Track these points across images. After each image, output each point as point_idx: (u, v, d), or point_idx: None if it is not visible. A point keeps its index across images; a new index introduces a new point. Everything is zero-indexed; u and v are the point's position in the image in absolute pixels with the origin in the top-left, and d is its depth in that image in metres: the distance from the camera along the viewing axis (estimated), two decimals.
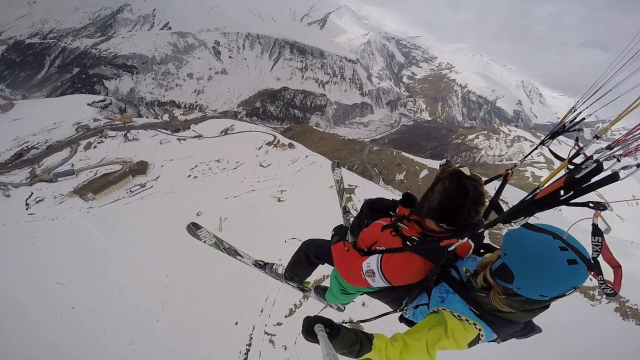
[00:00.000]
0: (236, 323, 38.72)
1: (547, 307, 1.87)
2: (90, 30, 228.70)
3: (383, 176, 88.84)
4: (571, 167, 1.84)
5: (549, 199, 1.54)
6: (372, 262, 2.51)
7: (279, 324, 38.75)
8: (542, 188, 1.62)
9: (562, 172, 1.71)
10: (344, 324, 2.12)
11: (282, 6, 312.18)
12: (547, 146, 2.91)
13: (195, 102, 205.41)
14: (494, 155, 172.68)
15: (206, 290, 41.59)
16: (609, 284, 1.57)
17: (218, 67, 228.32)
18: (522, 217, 1.70)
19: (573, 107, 2.65)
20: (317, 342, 1.84)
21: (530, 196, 1.68)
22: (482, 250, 2.47)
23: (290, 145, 77.79)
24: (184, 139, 79.14)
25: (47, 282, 41.11)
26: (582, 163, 1.44)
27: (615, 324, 45.65)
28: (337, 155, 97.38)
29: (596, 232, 1.45)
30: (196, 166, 66.91)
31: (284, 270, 4.35)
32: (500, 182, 2.95)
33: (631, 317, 49.01)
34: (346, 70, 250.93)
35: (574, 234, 1.68)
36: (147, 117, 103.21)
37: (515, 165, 3.13)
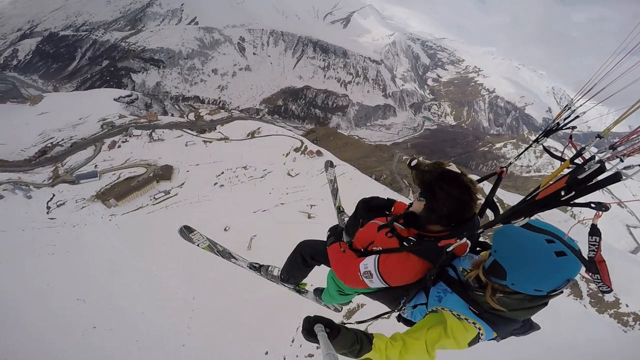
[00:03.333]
0: (266, 353, 36.34)
1: (545, 304, 1.87)
2: (120, 24, 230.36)
3: (413, 189, 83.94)
4: (572, 167, 1.89)
5: (550, 200, 1.51)
6: (369, 263, 2.47)
7: (311, 355, 35.85)
8: (543, 188, 1.60)
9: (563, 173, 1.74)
10: (344, 324, 2.09)
11: (306, 4, 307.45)
12: (542, 144, 2.92)
13: (219, 98, 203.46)
14: (522, 166, 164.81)
15: (235, 316, 38.96)
16: (605, 283, 1.58)
17: (242, 63, 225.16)
18: (522, 218, 1.68)
19: (567, 105, 2.68)
20: (317, 342, 1.82)
21: (531, 197, 1.67)
22: (478, 248, 2.44)
23: (319, 153, 73.84)
24: (210, 141, 76.36)
25: (68, 298, 39.01)
26: (585, 163, 1.42)
27: None
28: (363, 163, 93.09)
29: (594, 232, 1.48)
30: (222, 173, 63.80)
31: (279, 272, 4.16)
32: (495, 180, 2.96)
33: None
34: (369, 71, 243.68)
35: (577, 235, 1.75)
36: (172, 115, 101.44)
37: (510, 163, 3.15)
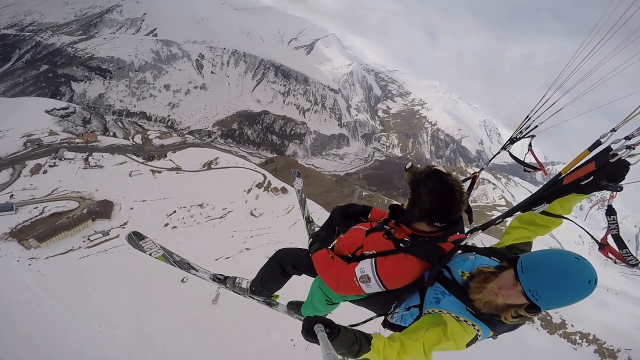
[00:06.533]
0: None
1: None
2: (72, 27, 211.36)
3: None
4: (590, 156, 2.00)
5: (572, 185, 1.67)
6: (365, 267, 2.46)
7: None
8: (567, 174, 1.73)
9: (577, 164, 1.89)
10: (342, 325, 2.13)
11: (272, 27, 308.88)
12: (508, 150, 3.18)
13: (168, 116, 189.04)
14: None
15: None
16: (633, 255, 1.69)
17: (198, 81, 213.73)
18: (543, 204, 1.81)
19: (527, 116, 2.96)
20: (317, 342, 1.82)
21: (557, 182, 1.77)
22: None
23: (284, 190, 70.22)
24: (159, 172, 68.08)
25: None
26: (608, 151, 1.59)
27: None
28: (325, 198, 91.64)
29: (611, 211, 1.61)
30: (175, 212, 56.38)
31: (249, 284, 3.92)
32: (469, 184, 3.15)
33: (608, 357, 57.09)
34: (327, 100, 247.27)
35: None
36: (114, 135, 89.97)
37: (482, 169, 3.39)
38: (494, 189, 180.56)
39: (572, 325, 61.94)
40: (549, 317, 61.88)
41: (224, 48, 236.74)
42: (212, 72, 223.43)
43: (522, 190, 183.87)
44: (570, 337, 58.82)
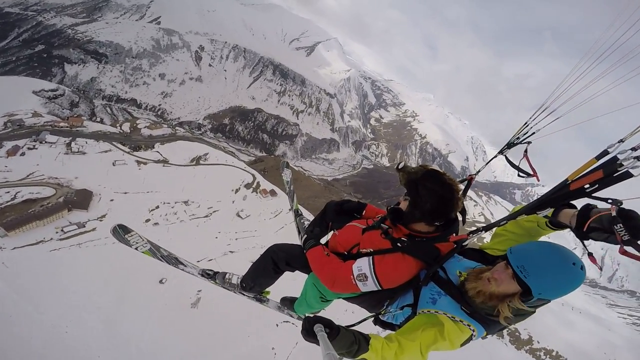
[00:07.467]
0: None
1: (534, 312, 2.06)
2: (76, 10, 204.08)
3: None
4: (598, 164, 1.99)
5: (576, 192, 1.73)
6: (363, 266, 2.46)
7: None
8: (574, 180, 1.78)
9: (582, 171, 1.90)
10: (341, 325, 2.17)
11: (276, 25, 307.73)
12: (505, 155, 3.24)
13: (159, 105, 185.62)
14: None
15: None
16: None
17: (194, 73, 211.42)
18: (548, 209, 1.90)
19: (526, 122, 3.00)
20: (317, 342, 1.85)
21: (562, 188, 1.83)
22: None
23: (272, 193, 69.10)
24: (145, 163, 66.00)
25: None
26: (614, 161, 1.62)
27: None
28: (312, 204, 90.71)
29: (615, 220, 1.64)
30: (158, 207, 54.31)
31: (239, 279, 3.76)
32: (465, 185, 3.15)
33: None
34: (322, 103, 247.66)
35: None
36: (101, 121, 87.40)
37: (479, 171, 3.43)
38: (474, 205, 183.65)
39: (538, 342, 64.11)
40: (517, 333, 63.37)
41: (225, 42, 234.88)
42: (209, 65, 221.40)
43: (501, 208, 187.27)
44: (535, 352, 60.14)
